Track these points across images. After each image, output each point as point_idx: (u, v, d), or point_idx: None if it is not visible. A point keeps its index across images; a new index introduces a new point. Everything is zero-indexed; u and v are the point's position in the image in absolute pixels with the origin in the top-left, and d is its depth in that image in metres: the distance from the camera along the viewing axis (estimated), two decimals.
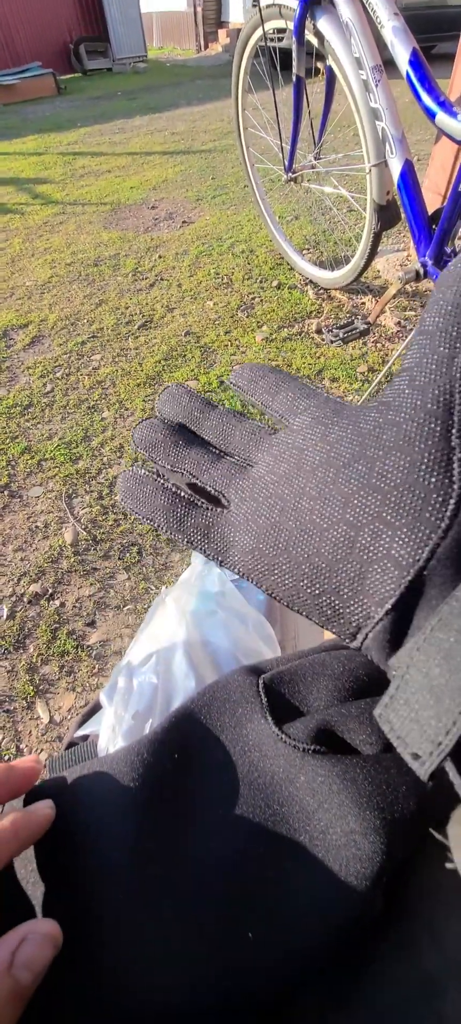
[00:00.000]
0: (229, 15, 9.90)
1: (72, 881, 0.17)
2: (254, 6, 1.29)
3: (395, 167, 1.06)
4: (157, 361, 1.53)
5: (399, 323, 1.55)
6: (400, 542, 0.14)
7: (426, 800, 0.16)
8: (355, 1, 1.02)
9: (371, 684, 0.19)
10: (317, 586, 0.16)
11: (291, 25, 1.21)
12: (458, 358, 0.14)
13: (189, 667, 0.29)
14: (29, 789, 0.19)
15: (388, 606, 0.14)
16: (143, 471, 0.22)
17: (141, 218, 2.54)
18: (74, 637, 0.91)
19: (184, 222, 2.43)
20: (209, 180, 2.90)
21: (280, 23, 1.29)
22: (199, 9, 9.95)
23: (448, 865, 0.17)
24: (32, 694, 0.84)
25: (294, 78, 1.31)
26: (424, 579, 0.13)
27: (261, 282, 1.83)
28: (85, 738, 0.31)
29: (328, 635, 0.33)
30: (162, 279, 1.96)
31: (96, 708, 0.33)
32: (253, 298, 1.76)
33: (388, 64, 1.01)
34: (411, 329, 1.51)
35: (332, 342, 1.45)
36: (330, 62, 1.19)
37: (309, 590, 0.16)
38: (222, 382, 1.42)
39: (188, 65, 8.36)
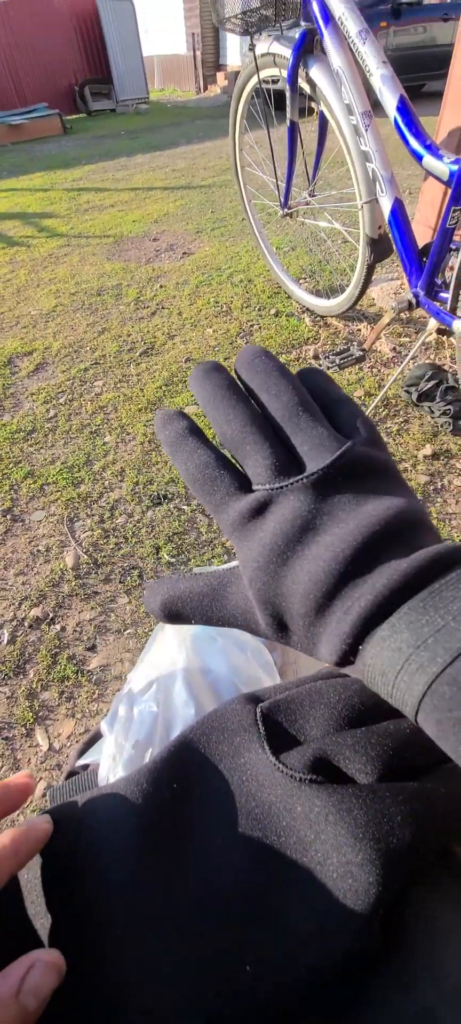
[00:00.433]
0: (227, 58, 10.41)
1: (76, 907, 0.17)
2: (250, 50, 1.36)
3: (385, 205, 1.10)
4: (158, 387, 1.57)
5: (394, 349, 1.58)
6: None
7: (422, 830, 0.17)
8: (345, 50, 1.08)
9: (366, 712, 0.19)
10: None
11: (285, 73, 1.27)
12: None
13: (189, 695, 0.29)
14: (24, 805, 0.19)
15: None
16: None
17: (143, 250, 2.62)
18: (74, 662, 0.91)
19: (184, 253, 2.51)
20: (208, 213, 3.00)
21: (274, 71, 1.37)
22: (198, 53, 10.46)
23: (446, 896, 0.17)
24: (31, 721, 0.83)
25: (288, 123, 1.37)
26: None
27: (259, 310, 1.88)
28: (85, 767, 0.31)
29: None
30: (163, 308, 2.02)
31: (96, 737, 0.33)
32: (252, 325, 1.80)
33: (377, 106, 1.07)
34: (406, 355, 1.54)
35: (329, 368, 1.48)
36: (322, 107, 1.25)
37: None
38: None
39: (188, 106, 8.73)
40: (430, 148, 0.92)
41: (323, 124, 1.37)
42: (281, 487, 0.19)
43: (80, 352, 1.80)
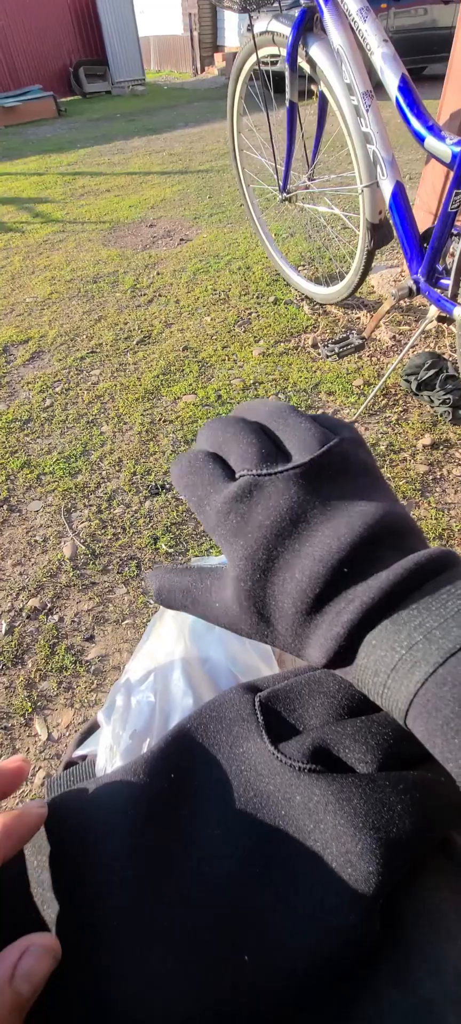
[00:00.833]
0: (224, 39, 10.18)
1: (74, 896, 0.17)
2: (248, 31, 1.33)
3: (386, 188, 1.08)
4: (155, 376, 1.55)
5: (394, 337, 1.57)
6: None
7: (422, 820, 0.16)
8: (346, 29, 1.06)
9: (366, 702, 0.19)
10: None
11: (284, 52, 1.24)
12: None
13: (187, 685, 0.29)
14: (18, 789, 0.19)
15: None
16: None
17: (139, 236, 2.58)
18: (73, 652, 0.91)
19: (182, 240, 2.47)
20: (206, 199, 2.96)
21: (273, 50, 1.33)
22: (195, 33, 10.23)
23: (445, 886, 0.17)
24: (30, 710, 0.83)
25: (287, 103, 1.34)
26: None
27: (258, 298, 1.86)
28: (83, 758, 0.31)
29: None
30: (160, 295, 1.99)
31: (94, 727, 0.33)
32: (250, 313, 1.78)
33: (378, 86, 1.04)
34: (405, 343, 1.53)
35: (328, 356, 1.46)
36: (322, 87, 1.22)
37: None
38: (220, 396, 1.44)
39: (185, 88, 8.56)
40: (432, 129, 0.90)
41: (323, 105, 1.34)
42: (268, 474, 0.18)
43: (76, 340, 1.77)
